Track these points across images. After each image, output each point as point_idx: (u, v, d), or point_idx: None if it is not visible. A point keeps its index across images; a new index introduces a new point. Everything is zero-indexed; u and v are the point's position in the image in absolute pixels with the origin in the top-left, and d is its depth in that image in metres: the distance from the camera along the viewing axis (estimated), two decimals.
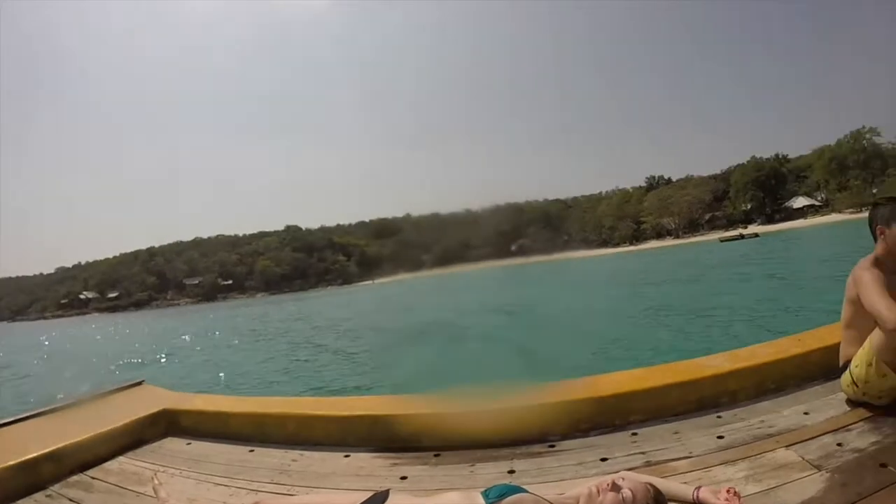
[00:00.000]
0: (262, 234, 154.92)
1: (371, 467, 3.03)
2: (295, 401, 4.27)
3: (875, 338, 2.68)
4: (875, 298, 2.61)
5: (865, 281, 2.70)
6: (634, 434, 3.00)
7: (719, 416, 3.06)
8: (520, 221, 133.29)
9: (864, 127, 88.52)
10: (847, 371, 2.90)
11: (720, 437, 2.81)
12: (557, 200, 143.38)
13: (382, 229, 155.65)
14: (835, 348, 3.12)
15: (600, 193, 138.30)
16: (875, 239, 2.89)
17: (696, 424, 3.01)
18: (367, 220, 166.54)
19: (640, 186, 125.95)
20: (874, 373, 2.71)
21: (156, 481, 2.81)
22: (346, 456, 3.21)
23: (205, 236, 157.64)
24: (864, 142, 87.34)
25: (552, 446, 2.99)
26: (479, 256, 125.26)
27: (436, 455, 3.07)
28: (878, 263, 2.81)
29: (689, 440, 2.84)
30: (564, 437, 3.06)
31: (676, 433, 2.94)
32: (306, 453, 3.31)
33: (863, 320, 2.77)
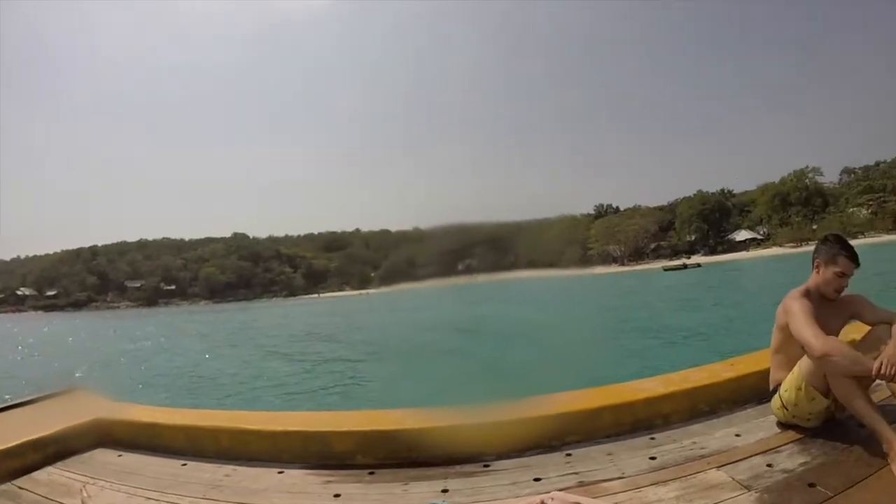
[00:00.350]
0: (209, 240, 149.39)
1: (304, 484, 2.96)
2: (229, 414, 4.15)
3: (804, 363, 2.82)
4: (803, 327, 2.75)
5: (795, 310, 2.84)
6: (569, 455, 3.01)
7: (652, 438, 3.10)
8: (468, 241, 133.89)
9: (807, 166, 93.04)
10: (777, 395, 3.02)
11: (652, 458, 2.84)
12: (506, 223, 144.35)
13: (331, 243, 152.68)
14: (766, 373, 3.24)
15: (548, 218, 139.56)
16: (813, 268, 3.06)
17: (630, 446, 3.03)
18: (316, 232, 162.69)
19: (589, 214, 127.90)
20: (803, 396, 2.84)
21: (85, 494, 2.73)
22: (280, 472, 3.13)
23: (150, 238, 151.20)
24: (807, 180, 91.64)
25: (486, 466, 2.97)
26: (426, 275, 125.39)
27: (370, 473, 3.02)
28: (808, 294, 2.98)
29: (621, 461, 2.86)
30: (499, 457, 3.05)
31: (610, 454, 2.96)
32: (239, 469, 3.21)
33: (791, 347, 2.92)
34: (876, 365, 2.55)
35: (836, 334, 2.90)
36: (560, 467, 2.87)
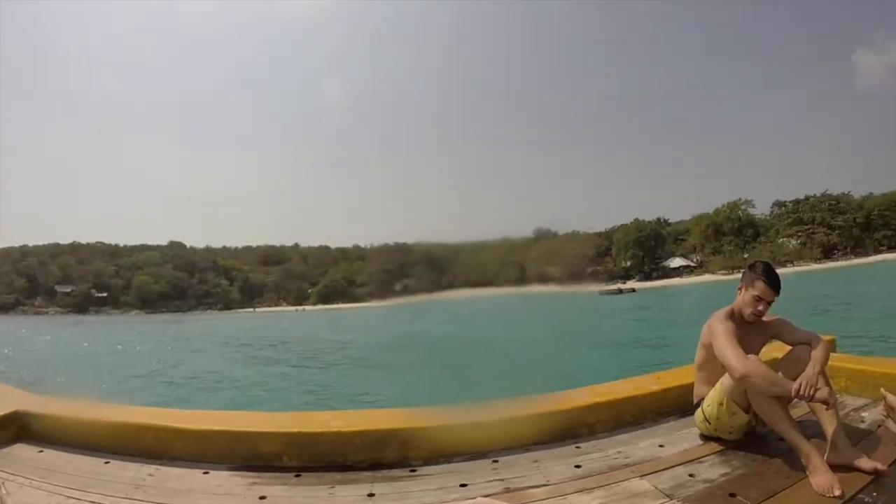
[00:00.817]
0: (144, 248, 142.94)
1: (230, 485, 2.86)
2: (155, 412, 3.97)
3: (725, 380, 2.96)
4: (725, 348, 2.87)
5: (718, 331, 2.96)
6: (495, 461, 3.01)
7: (578, 447, 3.14)
8: (406, 261, 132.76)
9: (740, 199, 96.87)
10: (700, 408, 3.15)
11: (578, 467, 2.87)
12: (445, 244, 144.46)
13: (269, 256, 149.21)
14: (690, 387, 3.35)
15: (487, 241, 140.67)
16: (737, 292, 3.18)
17: (556, 454, 3.06)
18: (254, 245, 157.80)
19: (528, 237, 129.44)
20: (725, 411, 2.98)
21: (3, 491, 2.57)
22: (205, 473, 3.01)
23: (83, 241, 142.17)
24: (740, 212, 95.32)
25: (413, 471, 2.94)
26: (364, 294, 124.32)
27: (296, 475, 2.95)
28: (732, 315, 3.10)
29: (547, 468, 2.88)
30: (426, 462, 3.03)
31: (536, 462, 2.98)
32: (164, 468, 3.08)
33: (714, 364, 3.03)
34: (795, 386, 2.68)
35: (757, 353, 3.01)
36: (487, 473, 2.86)
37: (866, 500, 2.38)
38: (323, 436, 3.12)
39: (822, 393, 2.68)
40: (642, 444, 3.12)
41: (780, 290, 3.06)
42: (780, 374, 2.82)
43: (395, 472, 2.93)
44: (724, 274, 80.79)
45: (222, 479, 2.94)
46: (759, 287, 3.02)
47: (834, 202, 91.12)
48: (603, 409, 3.39)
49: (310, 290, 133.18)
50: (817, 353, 2.84)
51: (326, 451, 3.06)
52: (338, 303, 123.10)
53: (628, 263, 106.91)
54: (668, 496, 2.47)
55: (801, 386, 2.66)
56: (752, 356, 2.83)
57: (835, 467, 2.58)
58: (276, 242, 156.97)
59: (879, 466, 2.58)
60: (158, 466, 3.10)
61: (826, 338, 3.11)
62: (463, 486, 2.74)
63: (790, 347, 3.07)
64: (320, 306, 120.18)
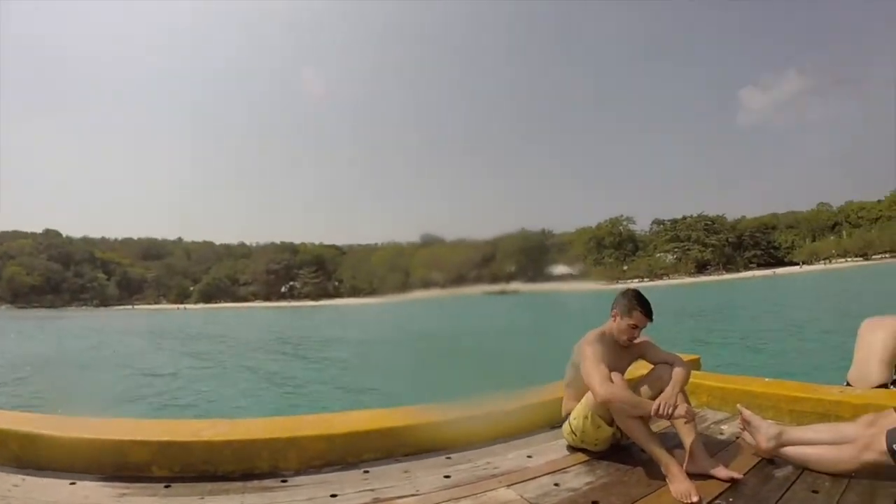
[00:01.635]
0: (17, 235, 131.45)
1: (98, 497, 2.69)
2: (18, 416, 3.67)
3: (590, 396, 3.11)
4: (591, 371, 3.04)
5: (587, 354, 3.12)
6: (366, 472, 3.00)
7: (449, 458, 3.18)
8: (293, 262, 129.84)
9: (622, 215, 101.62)
10: (567, 422, 3.30)
11: (447, 477, 2.90)
12: (333, 246, 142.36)
13: (150, 250, 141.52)
14: (559, 401, 3.48)
15: (376, 244, 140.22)
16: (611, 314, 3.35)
17: (427, 465, 3.09)
18: (135, 237, 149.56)
19: (415, 242, 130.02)
20: (590, 424, 3.14)
21: None
22: (72, 483, 2.81)
23: None
24: (621, 227, 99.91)
25: (284, 481, 2.88)
26: (248, 294, 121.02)
27: (166, 486, 2.81)
28: (602, 337, 3.28)
29: (417, 479, 2.89)
30: (298, 472, 2.98)
31: (406, 472, 2.98)
32: (29, 478, 2.84)
33: (581, 382, 3.16)
34: (654, 407, 2.89)
35: (624, 371, 3.25)
36: (357, 484, 2.85)
37: None
38: (193, 445, 3.00)
39: (681, 410, 2.88)
40: (511, 455, 3.21)
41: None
42: (642, 393, 3.06)
43: (267, 483, 2.86)
44: (604, 284, 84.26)
45: (90, 490, 2.76)
46: (636, 316, 3.21)
47: (709, 223, 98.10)
48: (475, 420, 3.47)
49: (192, 288, 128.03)
50: (676, 374, 3.09)
51: (197, 461, 2.94)
52: (221, 302, 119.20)
53: (513, 269, 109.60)
54: None
55: (659, 406, 2.87)
56: (616, 377, 3.02)
57: (693, 476, 2.74)
58: (158, 235, 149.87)
59: (735, 475, 2.78)
60: (24, 476, 2.88)
61: (688, 357, 3.32)
62: (333, 496, 2.71)
63: (652, 366, 3.31)
64: (202, 305, 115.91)
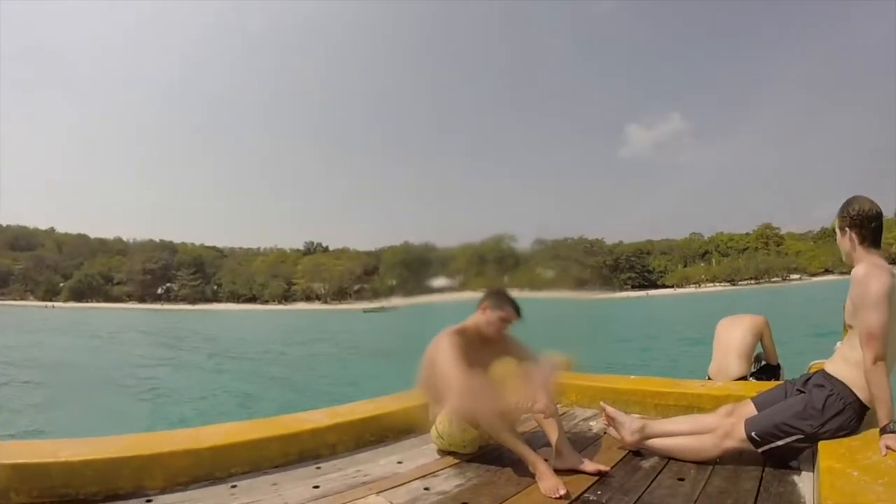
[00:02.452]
0: None
1: None
2: None
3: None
4: (449, 368, 2.99)
5: (444, 349, 3.07)
6: (234, 486, 2.88)
7: (318, 468, 3.12)
8: (171, 262, 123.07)
9: (506, 233, 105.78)
10: (434, 426, 3.28)
11: (316, 487, 2.83)
12: (214, 248, 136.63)
13: (19, 240, 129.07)
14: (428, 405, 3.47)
15: (258, 249, 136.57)
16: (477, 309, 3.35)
17: (295, 476, 3.00)
18: (3, 223, 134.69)
19: (298, 249, 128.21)
20: (455, 427, 3.15)
21: None
22: None
23: None
24: (503, 244, 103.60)
25: (149, 501, 2.71)
26: (123, 294, 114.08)
27: None
28: (463, 332, 3.25)
29: (286, 491, 2.80)
30: (163, 490, 2.81)
31: (275, 484, 2.89)
32: None
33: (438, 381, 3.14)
34: (514, 401, 2.92)
35: (486, 367, 3.21)
36: (225, 499, 2.73)
37: (591, 498, 2.60)
38: (51, 467, 2.77)
39: (540, 405, 2.90)
40: (382, 462, 3.19)
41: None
42: (504, 389, 3.02)
43: (132, 503, 2.72)
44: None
45: None
46: (508, 310, 3.25)
47: (588, 245, 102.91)
48: (344, 428, 3.44)
49: (62, 284, 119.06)
50: (538, 369, 3.12)
51: (57, 484, 2.72)
52: (93, 301, 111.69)
53: (394, 282, 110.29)
54: None
55: (519, 400, 2.90)
56: (476, 374, 2.99)
57: (561, 472, 2.79)
58: (29, 223, 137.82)
59: (602, 468, 2.86)
60: None
61: (556, 356, 3.40)
62: None
63: (518, 363, 3.29)
64: (72, 304, 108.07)
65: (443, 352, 3.05)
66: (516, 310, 3.28)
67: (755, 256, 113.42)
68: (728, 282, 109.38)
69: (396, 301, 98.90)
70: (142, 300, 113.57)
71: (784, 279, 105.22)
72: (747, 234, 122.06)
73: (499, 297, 3.29)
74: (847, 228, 2.81)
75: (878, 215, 2.82)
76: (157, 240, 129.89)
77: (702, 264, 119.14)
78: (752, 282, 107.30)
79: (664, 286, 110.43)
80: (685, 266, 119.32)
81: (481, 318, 3.27)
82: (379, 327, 44.49)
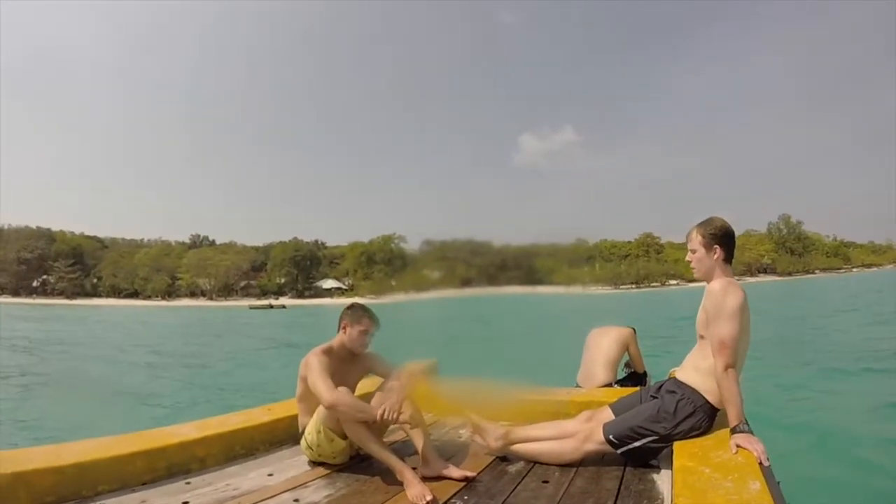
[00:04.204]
0: None
1: None
2: None
3: (321, 410, 3.22)
4: (317, 381, 3.12)
5: (313, 365, 3.21)
6: None
7: (188, 483, 3.08)
8: (48, 252, 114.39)
9: (395, 233, 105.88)
10: (304, 437, 3.38)
11: (186, 503, 2.79)
12: (95, 238, 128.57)
13: None
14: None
15: (142, 240, 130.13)
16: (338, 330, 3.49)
17: (165, 491, 2.95)
18: None
19: (184, 242, 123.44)
20: (323, 438, 3.25)
21: None
22: None
23: None
24: (392, 245, 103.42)
25: None
26: None
27: None
28: (330, 351, 3.39)
29: None
30: None
31: (143, 501, 2.82)
32: None
33: (312, 395, 3.24)
34: (379, 412, 3.03)
35: (354, 386, 3.41)
36: None
37: (458, 503, 2.72)
38: None
39: (405, 415, 3.08)
40: (252, 475, 3.19)
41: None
42: (371, 402, 3.16)
43: None
44: (372, 298, 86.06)
45: None
46: (366, 322, 3.41)
47: (475, 246, 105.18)
48: (213, 441, 3.40)
49: None
50: (401, 382, 3.25)
51: None
52: None
53: (282, 280, 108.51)
54: None
55: (384, 411, 3.02)
56: (342, 388, 3.11)
57: (429, 479, 2.94)
58: None
59: (469, 473, 3.03)
60: None
61: (415, 365, 3.55)
62: None
63: (380, 377, 3.52)
64: None
65: (313, 369, 3.16)
66: (373, 320, 3.44)
67: (636, 263, 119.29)
68: (611, 285, 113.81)
69: (285, 300, 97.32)
70: (16, 293, 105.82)
71: (663, 284, 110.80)
72: (629, 241, 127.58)
73: (355, 312, 3.45)
74: (716, 245, 3.03)
75: (734, 234, 3.11)
76: (34, 226, 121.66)
77: (586, 268, 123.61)
78: (633, 286, 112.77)
79: (549, 284, 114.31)
80: (570, 268, 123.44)
81: (344, 337, 3.41)
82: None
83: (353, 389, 3.31)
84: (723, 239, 3.05)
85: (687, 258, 3.18)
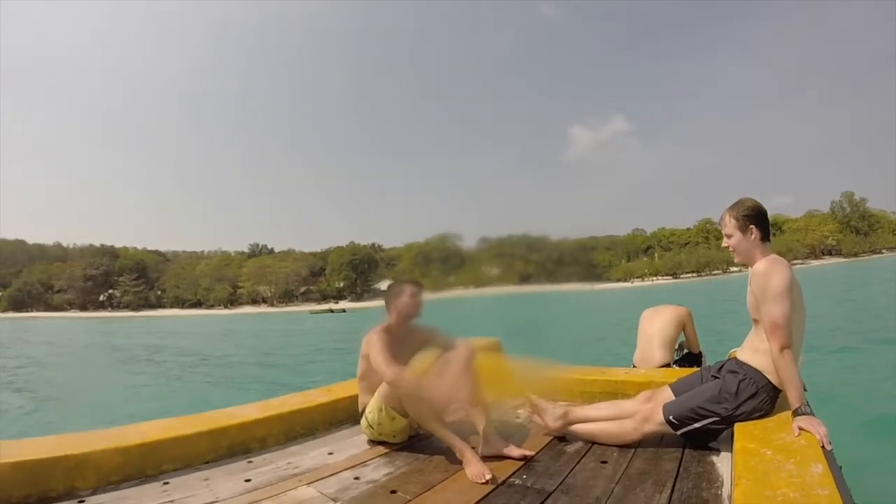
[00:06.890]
0: None
1: None
2: None
3: (383, 388, 3.22)
4: (379, 358, 3.11)
5: (375, 342, 3.20)
6: (166, 483, 2.88)
7: (250, 462, 3.15)
8: (112, 268, 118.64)
9: (450, 232, 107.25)
10: (364, 416, 3.39)
11: (248, 481, 2.85)
12: (157, 252, 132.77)
13: None
14: (357, 397, 3.56)
15: (202, 252, 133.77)
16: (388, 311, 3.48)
17: (227, 470, 3.02)
18: None
19: (243, 252, 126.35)
20: (385, 416, 3.26)
21: None
22: None
23: None
24: (448, 243, 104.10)
25: (82, 502, 2.68)
26: (63, 302, 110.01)
27: None
28: (389, 329, 3.38)
29: (217, 485, 2.82)
30: (95, 490, 2.79)
31: (206, 480, 2.89)
32: None
33: (373, 374, 3.25)
34: (439, 392, 3.08)
35: (408, 361, 3.35)
36: (157, 497, 2.72)
37: (517, 482, 2.69)
38: None
39: (465, 393, 3.10)
40: (312, 454, 3.24)
41: None
42: (431, 378, 3.17)
43: None
44: (431, 294, 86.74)
45: None
46: (409, 288, 3.41)
47: (532, 242, 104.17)
48: (273, 422, 3.46)
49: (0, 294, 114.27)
50: (463, 358, 3.25)
51: None
52: (32, 310, 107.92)
53: (341, 284, 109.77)
54: (332, 500, 2.56)
55: (445, 391, 3.07)
56: (404, 368, 3.11)
57: (488, 458, 2.92)
58: None
59: (527, 453, 2.99)
60: None
61: (487, 341, 3.50)
62: None
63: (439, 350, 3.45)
64: (11, 314, 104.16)
65: (374, 345, 3.16)
66: (414, 282, 3.46)
67: (696, 251, 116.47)
68: (670, 275, 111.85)
69: (344, 304, 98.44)
70: (84, 308, 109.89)
71: (724, 271, 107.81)
72: (688, 229, 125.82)
73: (394, 286, 3.46)
74: (751, 225, 2.95)
75: (766, 212, 3.05)
76: (98, 244, 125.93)
77: (644, 259, 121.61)
78: (694, 275, 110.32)
79: (609, 280, 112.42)
80: (629, 261, 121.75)
81: (398, 311, 3.39)
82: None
83: (410, 365, 3.31)
84: (756, 218, 2.97)
85: (723, 244, 3.09)
